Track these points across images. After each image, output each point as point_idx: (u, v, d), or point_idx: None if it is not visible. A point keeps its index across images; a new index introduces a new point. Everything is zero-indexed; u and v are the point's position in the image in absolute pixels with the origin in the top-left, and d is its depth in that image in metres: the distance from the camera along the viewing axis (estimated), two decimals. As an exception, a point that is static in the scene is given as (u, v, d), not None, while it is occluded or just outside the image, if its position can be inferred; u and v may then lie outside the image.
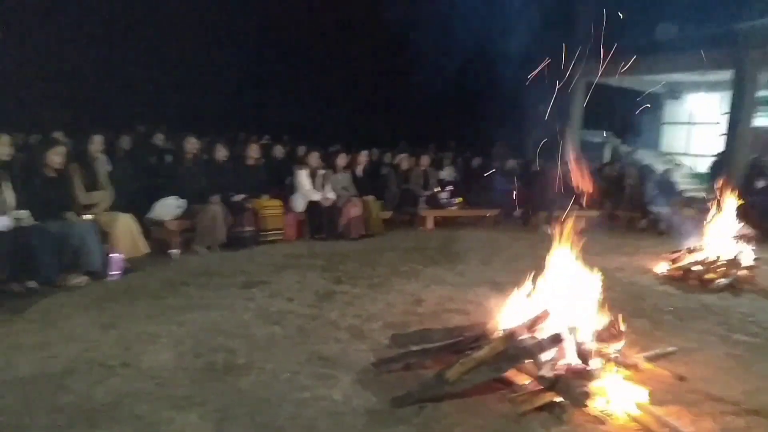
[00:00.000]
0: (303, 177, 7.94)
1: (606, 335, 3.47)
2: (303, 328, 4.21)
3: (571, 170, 4.36)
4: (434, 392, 3.08)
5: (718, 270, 6.19)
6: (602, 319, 3.59)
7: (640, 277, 6.48)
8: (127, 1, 17.23)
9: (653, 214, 10.12)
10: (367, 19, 16.51)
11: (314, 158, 8.11)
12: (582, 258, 3.66)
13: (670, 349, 3.98)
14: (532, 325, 3.36)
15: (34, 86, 15.07)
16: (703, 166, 15.95)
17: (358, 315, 4.57)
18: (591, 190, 3.71)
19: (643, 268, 6.88)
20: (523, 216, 10.32)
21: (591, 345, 3.38)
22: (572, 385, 3.04)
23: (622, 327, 3.56)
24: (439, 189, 9.84)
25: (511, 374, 3.28)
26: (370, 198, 8.45)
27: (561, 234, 3.71)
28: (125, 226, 5.68)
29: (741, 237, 6.90)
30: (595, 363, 3.26)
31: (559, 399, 3.03)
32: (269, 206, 7.44)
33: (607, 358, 3.34)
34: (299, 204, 7.85)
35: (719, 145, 14.51)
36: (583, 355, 3.24)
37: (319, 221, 7.86)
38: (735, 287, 5.94)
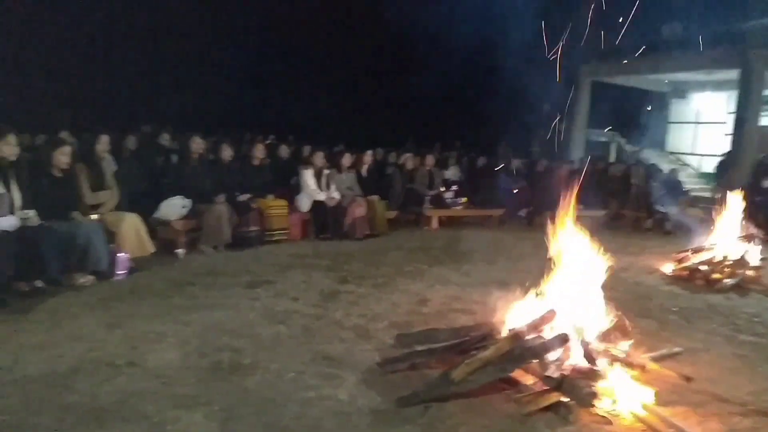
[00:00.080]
0: (308, 177, 7.94)
1: (614, 334, 3.46)
2: (308, 328, 4.21)
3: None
4: (439, 392, 3.07)
5: (724, 270, 6.17)
6: (609, 318, 3.58)
7: (646, 277, 6.46)
8: (133, 2, 17.28)
9: (659, 213, 10.08)
10: (371, 19, 16.50)
11: (319, 158, 8.12)
12: (588, 256, 3.65)
13: (677, 349, 3.97)
14: (538, 325, 3.35)
15: (41, 86, 15.14)
16: (710, 165, 15.89)
17: (363, 315, 4.57)
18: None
19: (649, 268, 6.86)
20: (528, 216, 10.30)
21: (597, 345, 3.37)
22: (578, 386, 3.04)
23: (630, 329, 3.56)
24: (444, 189, 9.84)
25: (517, 374, 3.27)
26: (375, 198, 8.45)
27: (561, 232, 3.70)
28: (131, 225, 5.70)
29: (747, 237, 6.87)
30: (601, 363, 3.25)
31: (565, 399, 3.02)
32: (274, 206, 7.45)
33: (614, 359, 3.33)
34: (304, 204, 7.86)
35: (725, 145, 14.46)
36: (590, 356, 3.23)
37: (324, 221, 7.87)
38: (741, 287, 5.92)
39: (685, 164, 17.04)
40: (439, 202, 9.56)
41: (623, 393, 3.08)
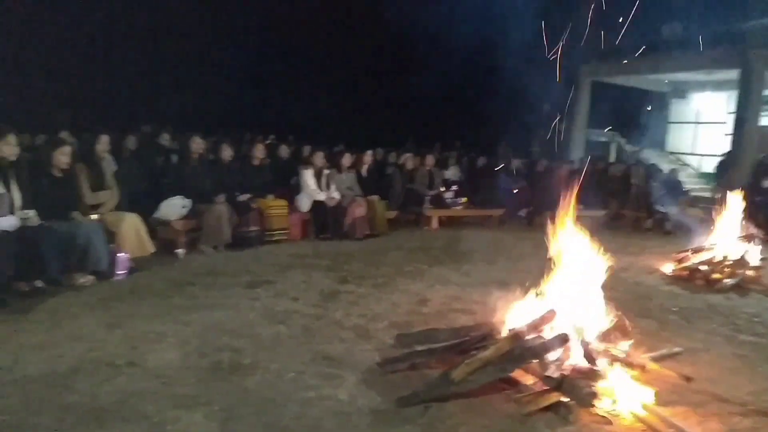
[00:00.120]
0: (308, 177, 7.94)
1: (614, 334, 3.46)
2: (308, 328, 4.21)
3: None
4: (439, 392, 3.07)
5: (724, 270, 6.17)
6: (609, 318, 3.59)
7: (646, 277, 6.47)
8: (134, 2, 17.29)
9: (659, 213, 10.08)
10: (371, 19, 16.51)
11: (319, 158, 8.12)
12: (588, 256, 3.65)
13: (677, 349, 3.97)
14: (538, 325, 3.35)
15: (41, 86, 15.15)
16: (710, 165, 15.89)
17: (363, 315, 4.57)
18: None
19: (649, 268, 6.86)
20: (528, 216, 10.31)
21: (597, 345, 3.37)
22: (578, 386, 3.04)
23: (630, 329, 3.56)
24: (444, 189, 9.84)
25: (517, 374, 3.27)
26: (375, 198, 8.45)
27: (562, 232, 3.70)
28: (131, 225, 5.70)
29: (747, 237, 6.87)
30: (601, 363, 3.25)
31: (565, 399, 3.02)
32: (274, 206, 7.45)
33: (614, 359, 3.33)
34: (304, 204, 7.86)
35: (725, 145, 14.46)
36: (590, 356, 3.23)
37: (324, 221, 7.87)
38: (742, 287, 5.92)
39: (685, 164, 17.04)
40: (439, 202, 9.56)
41: (623, 393, 3.08)
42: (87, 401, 2.93)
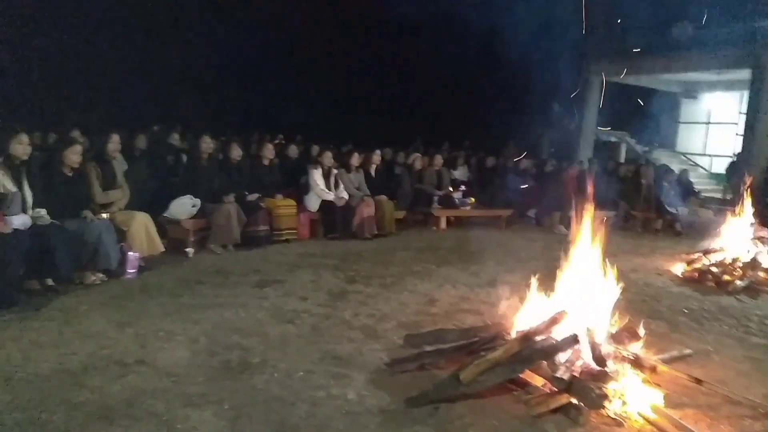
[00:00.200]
0: (317, 176, 7.95)
1: (624, 335, 3.44)
2: (317, 327, 4.22)
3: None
4: (449, 393, 3.07)
5: (735, 272, 6.12)
6: (619, 321, 3.57)
7: (656, 279, 6.43)
8: (143, 3, 17.38)
9: (669, 214, 10.02)
10: (381, 19, 16.50)
11: (328, 158, 8.12)
12: (600, 258, 3.63)
13: (687, 351, 3.95)
14: (548, 326, 3.34)
15: (52, 86, 15.26)
16: (720, 166, 15.77)
17: (371, 314, 4.58)
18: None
19: (660, 270, 6.82)
20: (537, 216, 10.27)
21: (607, 347, 3.35)
22: (588, 387, 3.02)
23: (641, 332, 3.54)
24: (453, 189, 9.82)
25: (527, 376, 3.26)
26: (383, 198, 8.45)
27: (578, 234, 3.68)
28: (141, 224, 5.72)
29: (759, 238, 6.82)
30: (611, 365, 3.23)
31: (574, 401, 3.01)
32: (283, 206, 7.46)
33: (624, 360, 3.31)
34: (313, 203, 7.87)
35: (737, 145, 14.34)
36: (600, 357, 3.22)
37: (333, 221, 7.87)
38: (753, 289, 5.87)
39: (696, 165, 16.92)
40: (447, 202, 9.54)
41: (633, 395, 3.06)
42: (97, 399, 2.95)
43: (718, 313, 5.13)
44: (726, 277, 6.02)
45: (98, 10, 16.65)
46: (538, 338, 3.30)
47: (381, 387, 3.23)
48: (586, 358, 3.26)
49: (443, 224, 9.35)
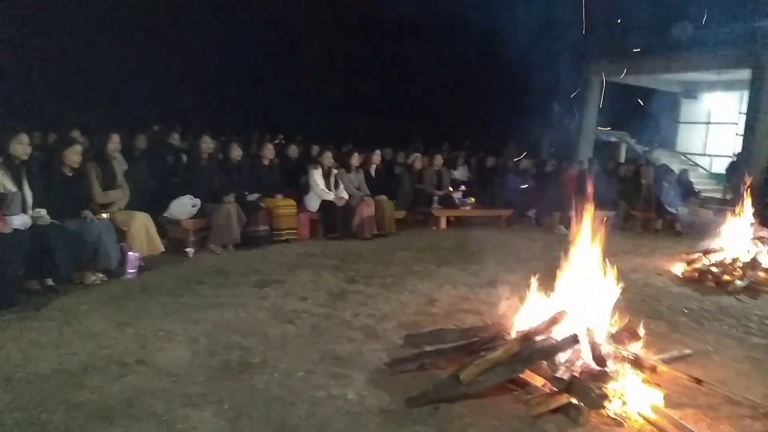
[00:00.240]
0: (317, 176, 7.95)
1: (623, 336, 3.44)
2: (317, 327, 4.22)
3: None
4: (449, 393, 3.07)
5: (735, 272, 6.12)
6: (619, 321, 3.57)
7: (657, 279, 6.42)
8: (143, 3, 17.38)
9: (669, 214, 10.02)
10: (381, 19, 16.51)
11: (328, 158, 8.12)
12: (600, 258, 3.63)
13: (687, 351, 3.95)
14: (548, 326, 3.34)
15: (52, 86, 15.25)
16: (720, 166, 15.77)
17: (371, 314, 4.58)
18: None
19: (660, 270, 6.82)
20: (537, 216, 10.27)
21: (607, 346, 3.35)
22: (588, 387, 3.02)
23: (641, 332, 3.54)
24: (453, 189, 9.82)
25: (527, 376, 3.26)
26: (383, 198, 8.45)
27: (578, 234, 3.68)
28: (141, 224, 5.72)
29: (759, 238, 6.81)
30: (611, 365, 3.23)
31: (574, 401, 3.01)
32: (283, 206, 7.46)
33: (624, 360, 3.31)
34: (313, 203, 7.87)
35: (737, 145, 14.34)
36: (600, 357, 3.22)
37: (333, 221, 7.87)
38: (753, 289, 5.87)
39: (696, 165, 16.92)
40: (447, 202, 9.54)
41: (633, 395, 3.06)
42: (97, 399, 2.95)
43: (718, 313, 5.13)
44: (726, 277, 6.02)
45: (98, 10, 16.66)
46: (538, 338, 3.30)
47: (381, 387, 3.23)
48: (586, 358, 3.26)
49: (443, 224, 9.35)
